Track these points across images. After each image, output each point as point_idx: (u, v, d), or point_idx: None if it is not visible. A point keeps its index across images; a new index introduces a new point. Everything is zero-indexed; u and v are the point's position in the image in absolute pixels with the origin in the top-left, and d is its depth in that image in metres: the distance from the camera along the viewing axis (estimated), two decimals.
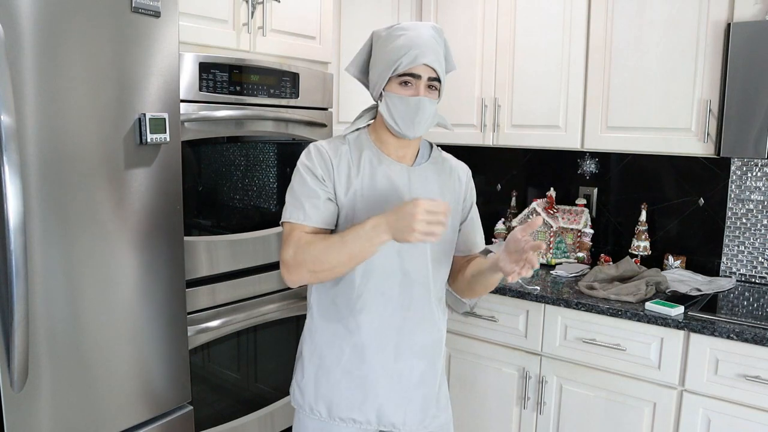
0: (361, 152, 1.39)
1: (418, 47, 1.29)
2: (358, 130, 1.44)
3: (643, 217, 2.52)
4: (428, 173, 1.44)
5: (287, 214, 1.35)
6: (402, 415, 1.44)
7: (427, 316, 1.44)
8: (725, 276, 2.40)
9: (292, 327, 2.22)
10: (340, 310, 1.41)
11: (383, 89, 1.35)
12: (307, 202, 1.34)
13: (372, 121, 1.45)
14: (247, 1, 1.96)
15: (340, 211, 1.36)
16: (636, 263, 2.39)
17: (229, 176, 1.97)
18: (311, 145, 1.39)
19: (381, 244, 1.22)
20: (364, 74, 1.43)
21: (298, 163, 1.38)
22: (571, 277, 2.42)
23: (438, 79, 1.34)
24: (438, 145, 1.56)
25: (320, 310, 1.45)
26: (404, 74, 1.31)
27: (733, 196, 2.38)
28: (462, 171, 1.52)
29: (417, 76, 1.31)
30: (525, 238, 1.22)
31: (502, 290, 2.28)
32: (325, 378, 1.44)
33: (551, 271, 2.51)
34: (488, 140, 2.65)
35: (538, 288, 2.25)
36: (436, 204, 1.16)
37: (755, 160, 2.32)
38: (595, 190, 2.71)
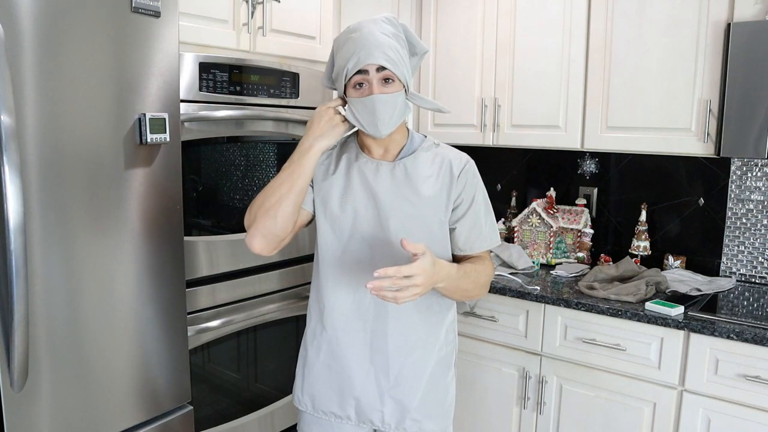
0: (343, 154, 1.46)
1: (361, 48, 1.28)
2: (349, 135, 1.49)
3: (643, 217, 2.52)
4: (409, 168, 1.40)
5: None
6: (379, 414, 1.45)
7: (402, 318, 1.40)
8: (725, 276, 2.40)
9: (292, 327, 2.22)
10: (318, 306, 1.46)
11: (345, 96, 1.36)
12: None
13: None
14: (247, 1, 1.96)
15: (315, 197, 1.44)
16: (636, 263, 2.39)
17: (229, 176, 1.97)
18: None
19: (313, 155, 1.32)
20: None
21: None
22: (571, 277, 2.42)
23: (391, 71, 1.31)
24: None
25: (310, 304, 1.52)
26: (353, 77, 1.31)
27: (733, 196, 2.38)
28: (456, 164, 1.41)
29: (365, 72, 1.29)
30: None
31: (502, 290, 2.28)
32: (308, 371, 1.50)
33: (551, 271, 2.51)
34: (488, 140, 2.65)
35: (538, 288, 2.25)
36: (333, 102, 1.36)
37: (755, 160, 2.32)
38: (595, 190, 2.72)
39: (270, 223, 1.32)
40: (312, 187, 1.44)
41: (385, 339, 1.41)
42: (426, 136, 1.48)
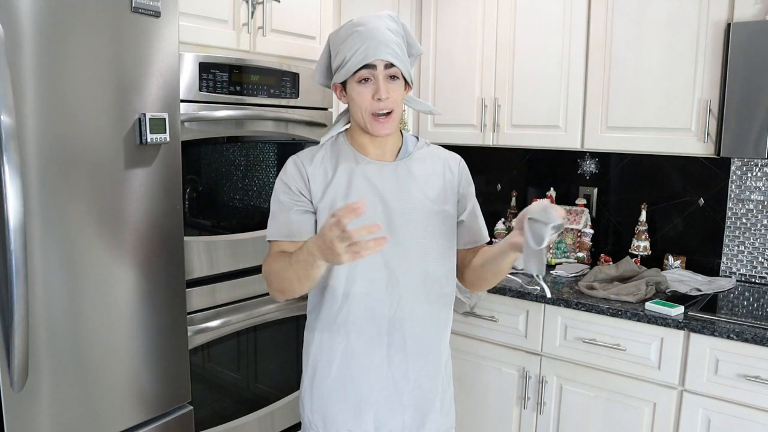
0: (338, 156, 1.39)
1: (369, 42, 1.26)
2: (335, 135, 1.45)
3: (643, 217, 2.52)
4: (411, 167, 1.39)
5: (267, 231, 1.40)
6: (400, 420, 1.41)
7: (419, 317, 1.39)
8: (725, 276, 2.40)
9: (292, 327, 2.22)
10: (329, 317, 1.40)
11: (345, 90, 1.34)
12: (279, 218, 1.37)
13: (349, 125, 1.43)
14: (247, 1, 1.96)
15: (318, 218, 1.37)
16: (636, 263, 2.39)
17: (229, 176, 1.97)
18: (289, 159, 1.41)
19: (320, 267, 1.20)
20: (328, 79, 1.41)
21: (277, 178, 1.41)
22: (571, 277, 2.42)
23: (396, 66, 1.30)
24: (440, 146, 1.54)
25: (312, 318, 1.45)
26: (359, 71, 1.28)
27: (733, 196, 2.38)
28: (453, 161, 1.46)
29: (372, 67, 1.27)
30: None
31: (502, 290, 2.28)
32: (318, 390, 1.43)
33: (551, 271, 2.51)
34: (488, 140, 2.65)
35: (538, 288, 2.25)
36: (343, 214, 1.06)
37: (755, 160, 2.32)
38: (595, 190, 2.72)
39: (290, 295, 1.32)
40: (311, 202, 1.38)
41: (404, 342, 1.38)
42: (417, 137, 1.48)
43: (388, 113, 1.31)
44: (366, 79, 1.29)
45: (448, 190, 1.42)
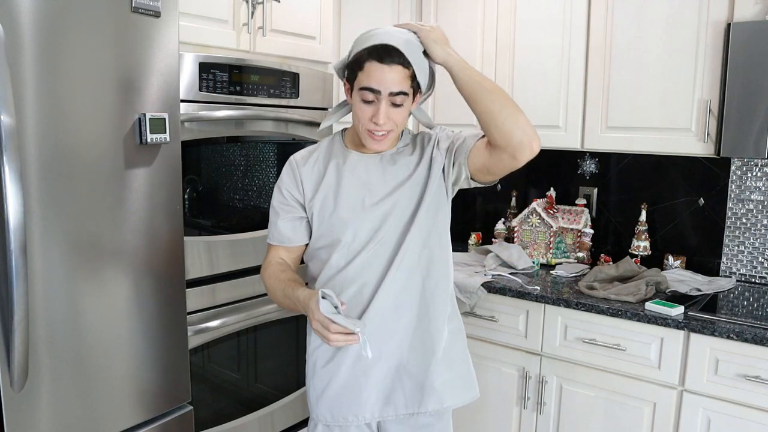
0: (330, 157, 1.46)
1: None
2: (332, 135, 1.51)
3: (643, 217, 2.51)
4: (396, 157, 1.44)
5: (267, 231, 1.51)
6: (401, 398, 1.46)
7: (414, 309, 1.43)
8: (725, 276, 2.40)
9: (292, 327, 2.22)
10: None
11: (351, 95, 1.37)
12: (275, 223, 1.47)
13: (350, 114, 1.46)
14: (247, 1, 1.96)
15: (311, 218, 1.45)
16: (636, 263, 2.39)
17: (229, 176, 1.97)
18: (288, 160, 1.49)
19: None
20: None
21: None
22: (571, 277, 2.42)
23: (404, 93, 1.31)
24: None
25: None
26: (363, 91, 1.31)
27: (733, 196, 2.38)
28: (432, 133, 1.48)
29: (377, 92, 1.30)
30: None
31: (502, 290, 2.28)
32: (319, 380, 1.48)
33: (551, 271, 2.51)
34: None
35: (538, 288, 2.25)
36: (329, 326, 1.23)
37: (755, 160, 2.32)
38: (595, 190, 2.71)
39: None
40: (304, 208, 1.45)
41: (395, 329, 1.43)
42: (409, 130, 1.53)
43: (386, 132, 1.36)
44: (369, 96, 1.31)
45: (433, 160, 1.44)
